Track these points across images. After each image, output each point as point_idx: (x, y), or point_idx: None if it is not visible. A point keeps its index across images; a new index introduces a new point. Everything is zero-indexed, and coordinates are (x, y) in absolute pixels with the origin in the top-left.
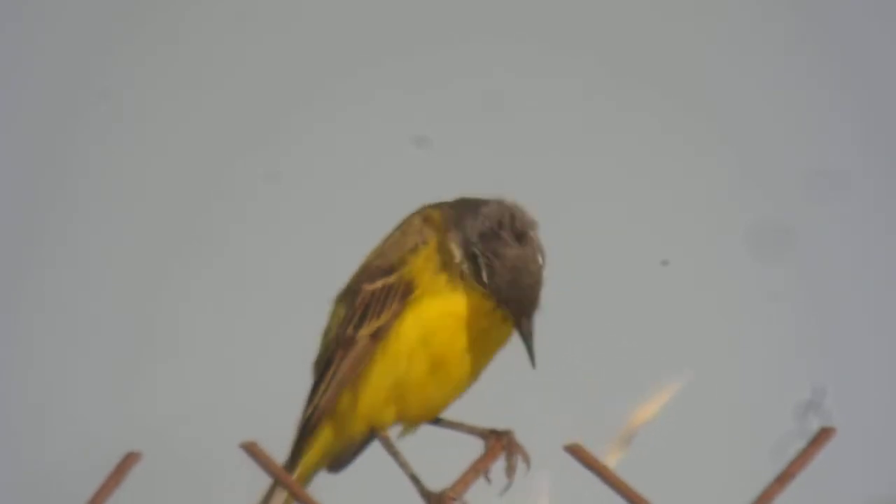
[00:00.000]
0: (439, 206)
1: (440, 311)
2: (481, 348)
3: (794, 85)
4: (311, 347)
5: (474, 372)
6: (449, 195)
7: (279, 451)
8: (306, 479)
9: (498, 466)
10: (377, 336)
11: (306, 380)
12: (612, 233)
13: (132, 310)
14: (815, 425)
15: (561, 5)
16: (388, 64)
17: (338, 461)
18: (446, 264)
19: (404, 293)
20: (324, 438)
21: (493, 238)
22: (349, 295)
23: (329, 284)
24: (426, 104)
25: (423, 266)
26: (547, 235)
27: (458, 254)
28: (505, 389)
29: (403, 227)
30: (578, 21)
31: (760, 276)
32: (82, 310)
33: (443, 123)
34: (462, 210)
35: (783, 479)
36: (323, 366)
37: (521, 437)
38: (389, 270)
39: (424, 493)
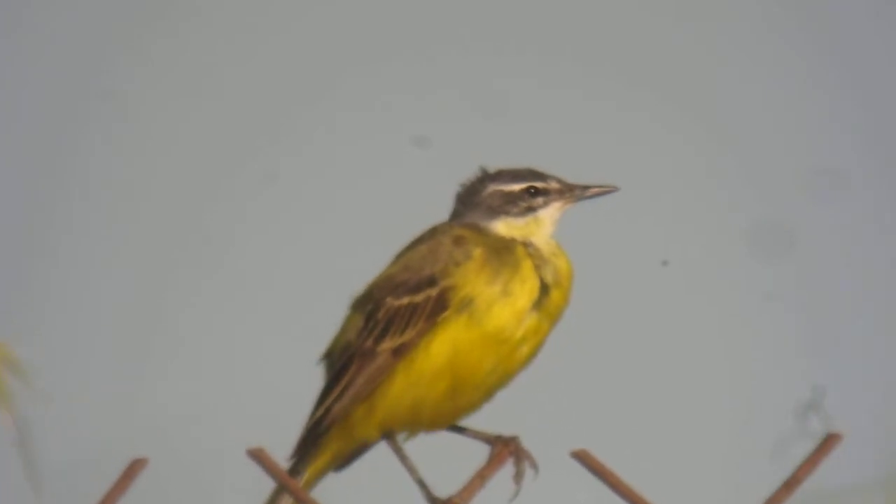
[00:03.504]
0: (456, 225)
1: (476, 331)
2: (505, 371)
3: (794, 85)
4: (313, 349)
5: (490, 395)
6: (449, 195)
7: (283, 455)
8: (312, 484)
9: (506, 473)
10: (399, 352)
11: (309, 382)
12: (612, 233)
13: (134, 312)
14: (815, 426)
15: (561, 8)
16: (388, 64)
17: (344, 461)
18: (498, 271)
19: (432, 312)
20: (333, 445)
21: (501, 195)
22: (369, 304)
23: (331, 284)
24: (426, 104)
25: (474, 278)
26: None
27: (508, 224)
28: (509, 394)
29: (431, 246)
30: (579, 23)
31: (760, 276)
32: (84, 311)
33: (443, 123)
34: (467, 216)
35: (790, 484)
36: (336, 371)
37: (526, 442)
38: (417, 287)
39: (431, 498)
